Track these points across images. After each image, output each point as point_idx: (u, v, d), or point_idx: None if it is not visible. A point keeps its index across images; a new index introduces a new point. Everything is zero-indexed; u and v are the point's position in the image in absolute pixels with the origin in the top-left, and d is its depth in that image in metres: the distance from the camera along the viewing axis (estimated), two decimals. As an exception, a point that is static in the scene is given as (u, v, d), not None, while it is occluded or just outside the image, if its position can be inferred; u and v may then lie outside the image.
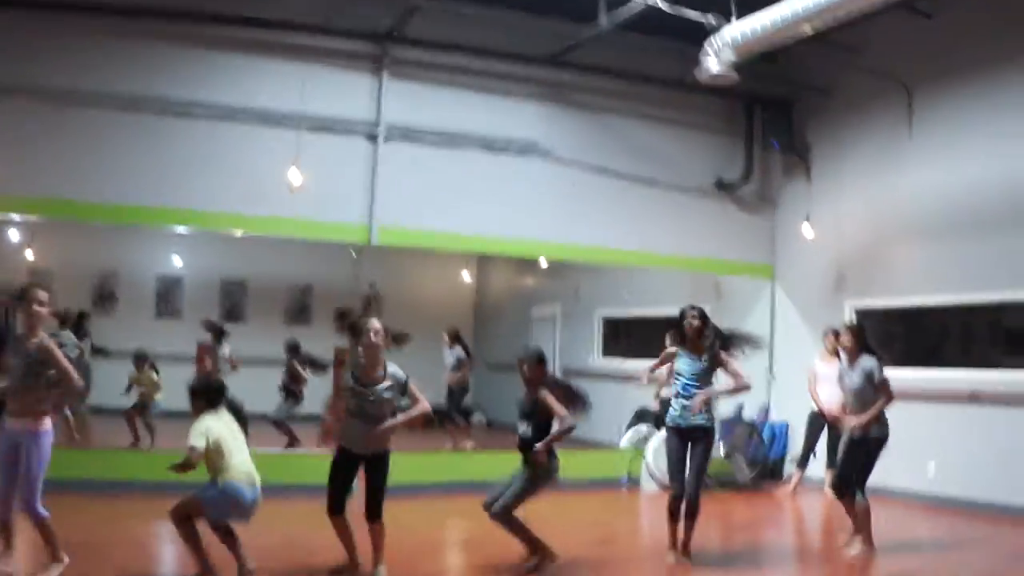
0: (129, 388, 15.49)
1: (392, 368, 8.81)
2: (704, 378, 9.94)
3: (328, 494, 8.85)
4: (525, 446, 9.30)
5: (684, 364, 9.97)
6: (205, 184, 13.07)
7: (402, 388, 8.82)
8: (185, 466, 8.03)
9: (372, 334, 8.65)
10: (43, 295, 8.13)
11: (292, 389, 15.97)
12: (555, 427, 9.26)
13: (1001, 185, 13.30)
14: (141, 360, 15.50)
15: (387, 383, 8.73)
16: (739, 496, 14.70)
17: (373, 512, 8.82)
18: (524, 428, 9.32)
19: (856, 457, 10.50)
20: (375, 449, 8.81)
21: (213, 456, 8.21)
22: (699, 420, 9.88)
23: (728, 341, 10.09)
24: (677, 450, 9.94)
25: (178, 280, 20.33)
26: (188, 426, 8.18)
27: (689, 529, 9.92)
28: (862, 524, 10.48)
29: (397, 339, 9.06)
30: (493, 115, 14.69)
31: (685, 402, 9.84)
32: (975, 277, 13.54)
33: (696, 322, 10.01)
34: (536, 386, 9.35)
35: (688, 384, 9.89)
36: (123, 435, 15.00)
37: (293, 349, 16.16)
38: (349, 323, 9.16)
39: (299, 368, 15.91)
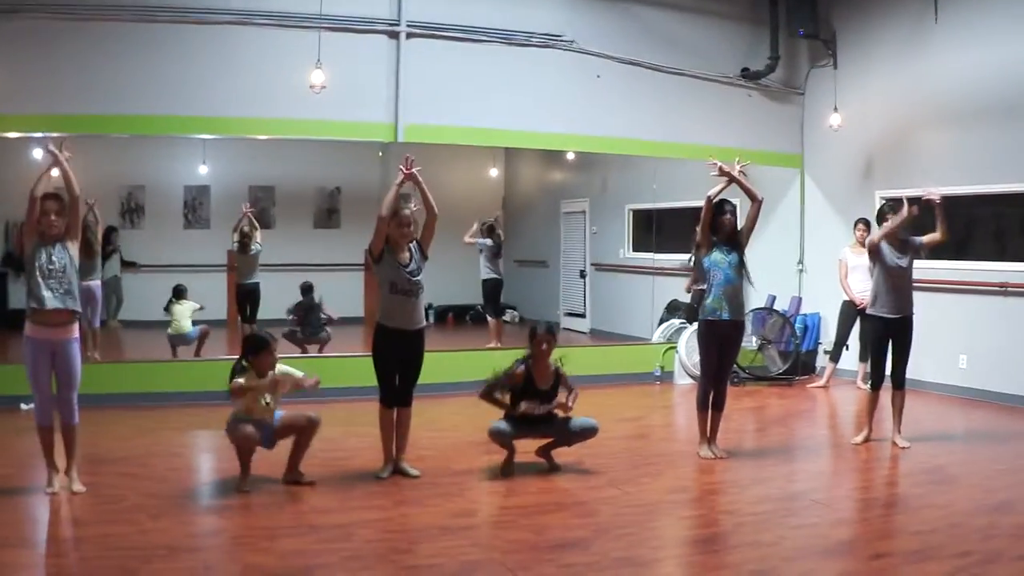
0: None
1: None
2: (739, 270, 9.99)
3: (384, 386, 9.11)
4: (540, 421, 9.39)
5: (722, 255, 9.98)
6: (227, 90, 12.98)
7: (421, 252, 9.18)
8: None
9: (407, 226, 9.03)
10: (53, 205, 8.32)
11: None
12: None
13: (1031, 69, 13.13)
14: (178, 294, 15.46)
15: (414, 256, 9.10)
16: (772, 389, 14.72)
17: (408, 398, 9.16)
18: (543, 409, 9.33)
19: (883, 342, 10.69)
20: (420, 324, 9.12)
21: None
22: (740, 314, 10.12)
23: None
24: (713, 344, 10.04)
25: (205, 189, 20.21)
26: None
27: (718, 421, 10.12)
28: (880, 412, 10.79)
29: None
30: (515, 7, 14.49)
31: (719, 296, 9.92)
32: (1006, 166, 13.36)
33: (732, 218, 10.08)
34: (547, 360, 9.37)
35: (729, 275, 9.92)
36: (156, 347, 15.04)
37: (305, 291, 16.17)
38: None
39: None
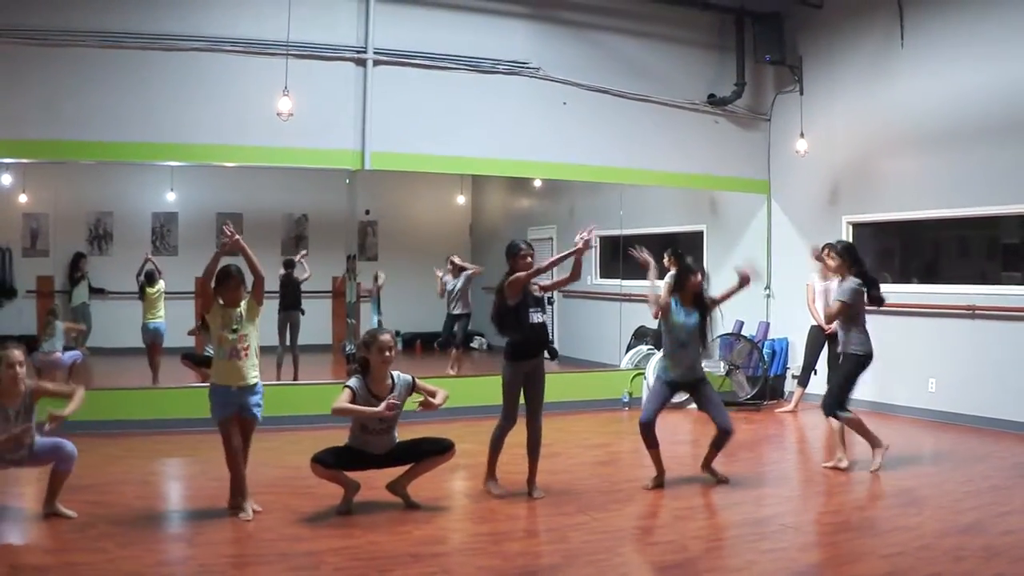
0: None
1: (397, 374, 8.90)
2: (697, 332, 10.01)
3: (332, 459, 8.81)
4: (547, 335, 9.71)
5: (679, 318, 9.98)
6: (194, 117, 13.02)
7: (410, 390, 8.94)
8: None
9: (386, 352, 8.72)
10: (18, 356, 8.21)
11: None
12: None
13: (996, 94, 13.21)
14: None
15: (396, 392, 8.80)
16: (740, 414, 14.72)
17: (440, 447, 9.09)
18: (544, 317, 9.60)
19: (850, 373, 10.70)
20: (389, 448, 8.94)
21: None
22: (698, 373, 10.10)
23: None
24: (663, 395, 10.14)
25: (173, 216, 20.06)
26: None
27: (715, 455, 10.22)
28: (850, 436, 10.84)
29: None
30: (482, 35, 14.61)
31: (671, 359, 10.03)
32: (971, 189, 13.49)
33: (699, 279, 10.05)
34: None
35: (685, 340, 9.96)
36: (126, 374, 14.98)
37: (287, 265, 16.46)
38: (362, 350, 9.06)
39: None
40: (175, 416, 11.97)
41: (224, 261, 8.63)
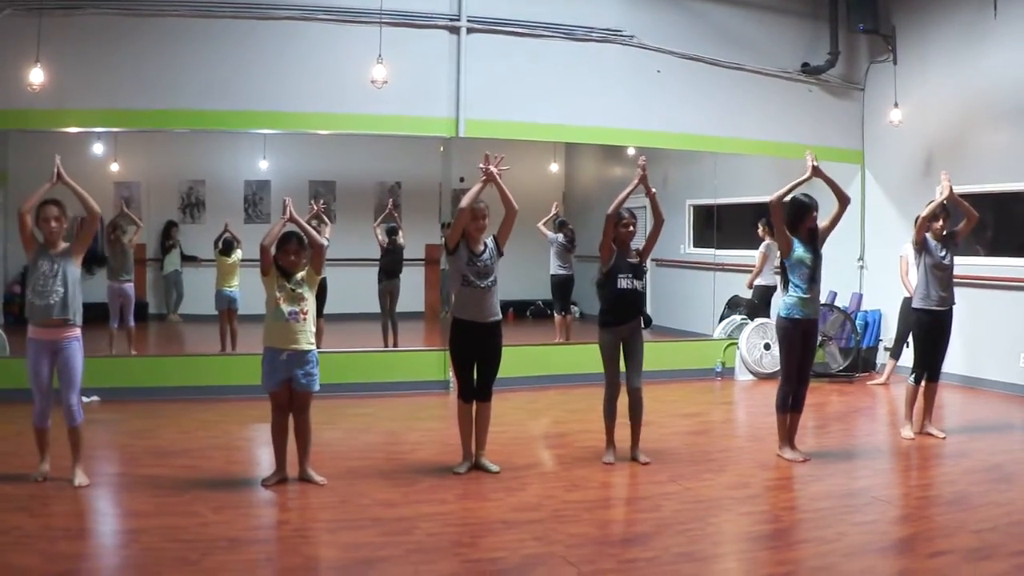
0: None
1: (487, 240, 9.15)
2: (819, 263, 9.82)
3: (461, 380, 9.15)
4: (641, 302, 9.90)
5: (805, 252, 9.76)
6: (288, 85, 13.14)
7: (496, 247, 9.15)
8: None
9: (482, 219, 9.07)
10: (53, 211, 8.37)
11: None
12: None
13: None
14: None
15: (489, 248, 9.09)
16: (832, 386, 14.68)
17: (487, 392, 9.17)
18: (639, 284, 9.91)
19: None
20: (494, 317, 9.09)
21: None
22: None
23: None
24: (801, 345, 9.81)
25: (266, 184, 20.17)
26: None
27: (797, 422, 9.99)
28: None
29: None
30: (576, 2, 14.55)
31: (806, 294, 9.69)
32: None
33: (815, 213, 9.90)
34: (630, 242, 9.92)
35: (815, 275, 9.74)
36: (217, 341, 15.29)
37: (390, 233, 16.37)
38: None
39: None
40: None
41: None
